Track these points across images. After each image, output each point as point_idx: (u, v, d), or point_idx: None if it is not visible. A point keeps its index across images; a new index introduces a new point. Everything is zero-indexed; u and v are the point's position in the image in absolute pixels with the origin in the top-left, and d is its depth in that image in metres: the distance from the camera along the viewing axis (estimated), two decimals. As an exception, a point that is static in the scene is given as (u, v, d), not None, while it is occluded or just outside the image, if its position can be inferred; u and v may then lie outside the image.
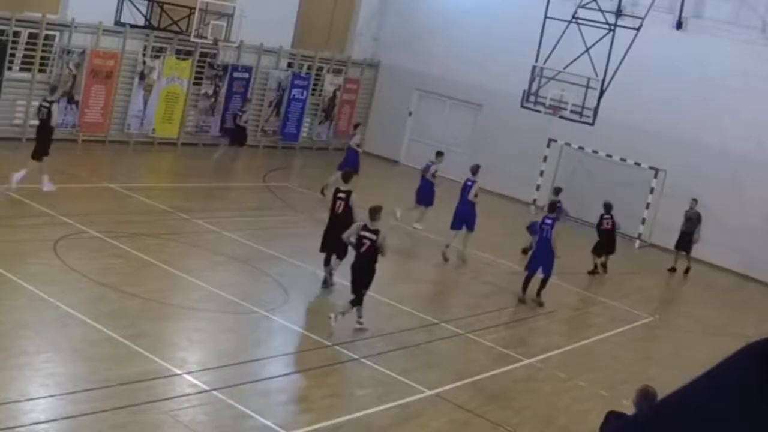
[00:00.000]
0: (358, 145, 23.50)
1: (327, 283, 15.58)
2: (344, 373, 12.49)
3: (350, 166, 20.76)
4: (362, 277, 13.66)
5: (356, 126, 24.73)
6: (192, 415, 10.14)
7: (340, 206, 15.48)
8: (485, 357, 14.15)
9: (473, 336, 14.95)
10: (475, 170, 19.77)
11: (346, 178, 16.15)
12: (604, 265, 21.01)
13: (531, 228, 19.39)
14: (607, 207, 21.01)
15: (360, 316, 13.73)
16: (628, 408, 9.58)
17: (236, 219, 19.25)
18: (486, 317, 16.33)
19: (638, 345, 16.80)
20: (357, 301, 13.64)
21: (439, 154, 21.73)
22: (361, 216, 14.52)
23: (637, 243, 24.96)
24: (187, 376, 11.06)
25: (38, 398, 9.73)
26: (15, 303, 12.23)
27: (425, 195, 21.29)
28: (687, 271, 22.86)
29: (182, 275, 14.96)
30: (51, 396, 9.85)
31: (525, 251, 19.84)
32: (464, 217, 19.32)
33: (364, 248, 13.64)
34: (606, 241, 20.86)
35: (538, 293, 17.24)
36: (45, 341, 11.33)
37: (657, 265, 23.30)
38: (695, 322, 19.23)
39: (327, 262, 15.55)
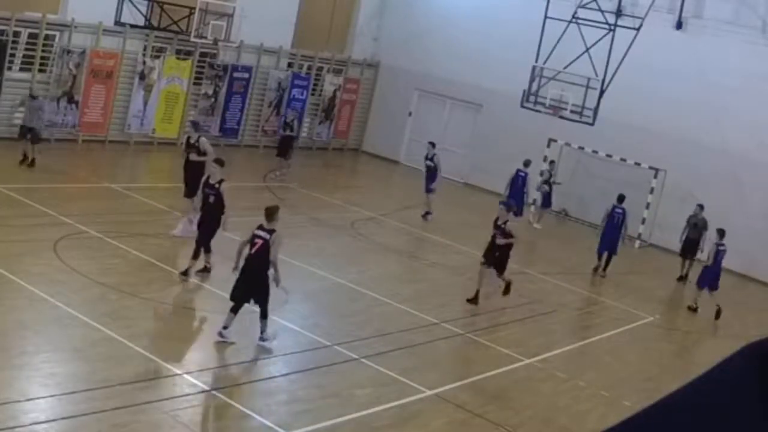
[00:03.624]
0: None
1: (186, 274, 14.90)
2: (344, 373, 12.47)
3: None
4: (251, 286, 12.35)
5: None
6: (192, 415, 10.14)
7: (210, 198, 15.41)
8: (485, 357, 14.14)
9: (473, 336, 14.94)
10: (527, 163, 23.19)
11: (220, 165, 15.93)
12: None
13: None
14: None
15: (263, 331, 12.55)
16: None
17: (236, 219, 19.21)
18: (486, 317, 16.34)
19: (638, 345, 16.77)
20: (262, 315, 12.47)
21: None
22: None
23: (637, 243, 24.94)
24: (187, 376, 11.06)
25: (38, 398, 9.73)
26: (15, 303, 12.23)
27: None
28: (684, 277, 22.46)
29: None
30: (51, 396, 9.85)
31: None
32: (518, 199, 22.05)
33: (255, 248, 12.36)
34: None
35: (604, 269, 20.50)
36: (45, 341, 11.33)
37: (657, 265, 23.29)
38: (695, 322, 19.22)
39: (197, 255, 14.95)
